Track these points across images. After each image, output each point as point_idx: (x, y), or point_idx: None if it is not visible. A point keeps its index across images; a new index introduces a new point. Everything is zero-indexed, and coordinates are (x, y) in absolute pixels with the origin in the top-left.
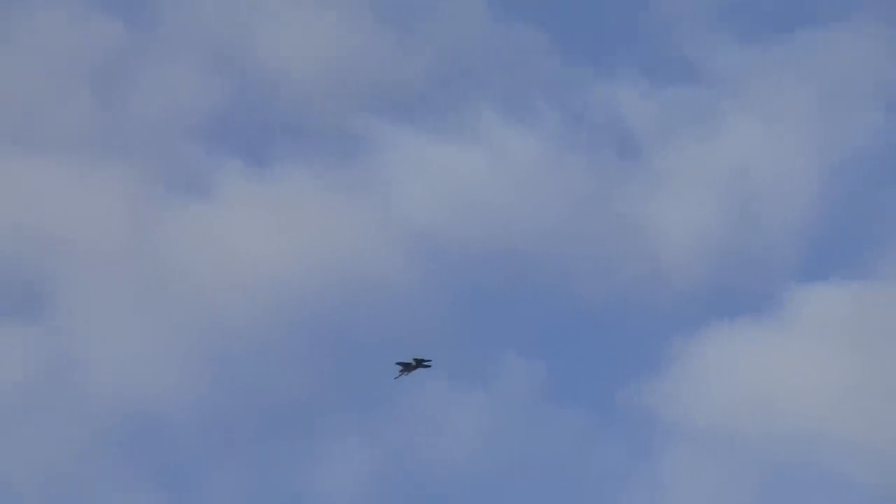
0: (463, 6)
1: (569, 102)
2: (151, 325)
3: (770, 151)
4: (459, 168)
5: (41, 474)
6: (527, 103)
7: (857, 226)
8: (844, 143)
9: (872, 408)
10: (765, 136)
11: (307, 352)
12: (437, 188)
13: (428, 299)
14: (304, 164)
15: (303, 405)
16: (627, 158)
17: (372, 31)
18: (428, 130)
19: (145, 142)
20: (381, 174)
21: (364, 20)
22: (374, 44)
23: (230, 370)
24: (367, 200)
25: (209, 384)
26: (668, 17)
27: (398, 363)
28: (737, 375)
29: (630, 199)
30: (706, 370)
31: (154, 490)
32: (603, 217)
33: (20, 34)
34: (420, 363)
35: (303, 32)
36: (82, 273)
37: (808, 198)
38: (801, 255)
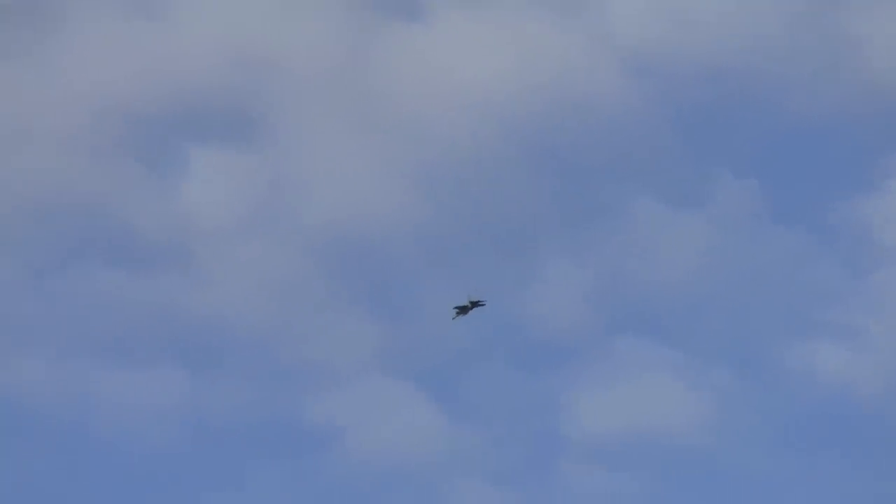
0: None
1: None
2: (366, 149)
3: None
4: None
5: (259, 299)
6: None
7: None
8: None
9: None
10: None
11: (522, 173)
12: (651, 6)
13: (642, 118)
14: None
15: (518, 226)
16: None
17: None
18: None
19: None
20: None
21: None
22: None
23: (445, 192)
24: (582, 19)
25: (424, 206)
26: None
27: (455, 307)
28: None
29: (845, 14)
30: None
31: (370, 312)
32: (818, 33)
33: None
34: (475, 304)
35: None
36: (297, 98)
37: None
38: None
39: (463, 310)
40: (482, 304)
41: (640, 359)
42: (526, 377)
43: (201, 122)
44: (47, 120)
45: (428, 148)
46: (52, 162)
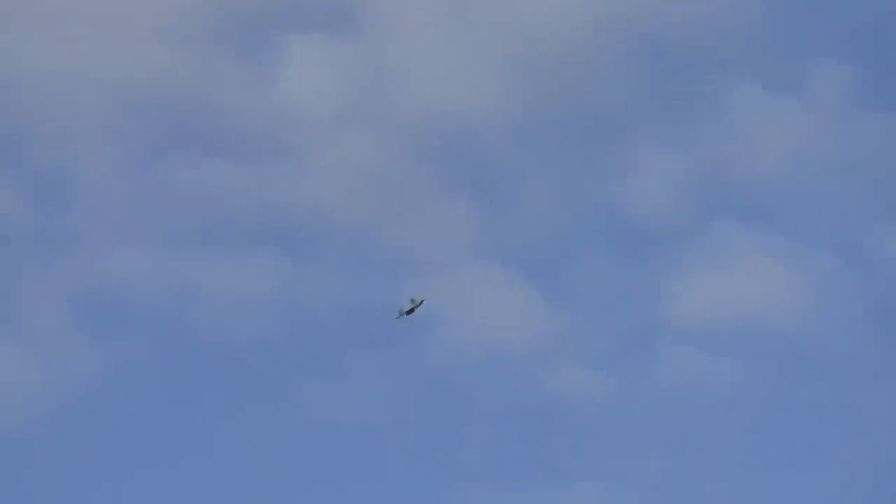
0: None
1: None
2: (464, 39)
3: None
4: None
5: (357, 188)
6: None
7: None
8: None
9: None
10: None
11: (618, 61)
12: None
13: (741, 3)
14: None
15: (614, 114)
16: None
17: None
18: None
19: None
20: None
21: None
22: None
23: (546, 83)
24: None
25: (521, 95)
26: None
27: (400, 312)
28: None
29: None
30: None
31: (468, 200)
32: None
33: None
34: (417, 305)
35: None
36: None
37: None
38: None
39: (409, 312)
40: (422, 301)
41: (738, 244)
42: (623, 262)
43: (299, 11)
44: (144, 9)
45: (524, 37)
46: (150, 52)
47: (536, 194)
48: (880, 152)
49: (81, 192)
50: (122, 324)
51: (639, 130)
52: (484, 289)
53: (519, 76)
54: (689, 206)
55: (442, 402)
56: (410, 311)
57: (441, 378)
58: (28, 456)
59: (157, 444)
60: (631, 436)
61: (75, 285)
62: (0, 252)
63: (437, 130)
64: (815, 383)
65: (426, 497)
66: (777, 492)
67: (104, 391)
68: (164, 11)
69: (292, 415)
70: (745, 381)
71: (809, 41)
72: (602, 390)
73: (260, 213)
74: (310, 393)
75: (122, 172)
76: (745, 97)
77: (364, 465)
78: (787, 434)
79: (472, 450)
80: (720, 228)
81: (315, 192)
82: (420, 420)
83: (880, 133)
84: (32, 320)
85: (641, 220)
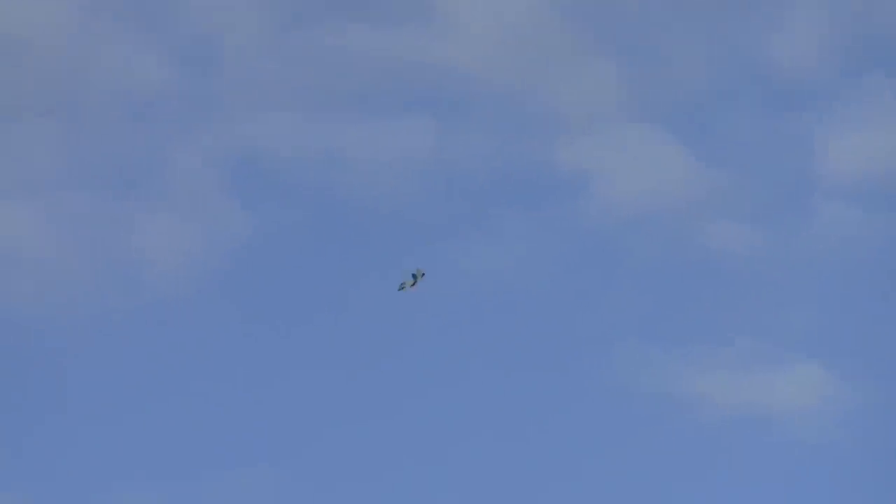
0: None
1: None
2: None
3: None
4: None
5: (505, 48)
6: None
7: None
8: None
9: None
10: None
11: None
12: None
13: None
14: None
15: None
16: None
17: None
18: None
19: None
20: None
21: None
22: None
23: None
24: None
25: None
26: None
27: (406, 284)
28: None
29: None
30: None
31: (616, 58)
32: None
33: None
34: (420, 277)
35: None
36: None
37: None
38: None
39: (412, 285)
40: (424, 275)
41: (888, 98)
42: (773, 118)
43: None
44: None
45: None
46: None
47: (685, 51)
48: None
49: (228, 57)
50: (269, 189)
51: None
52: (633, 147)
53: None
54: (838, 61)
55: (594, 260)
56: (413, 284)
57: (592, 237)
58: (180, 319)
59: (306, 309)
60: (785, 291)
61: (223, 151)
62: (150, 118)
63: None
64: None
65: (580, 355)
66: None
67: (253, 255)
68: None
69: (445, 276)
70: None
71: None
72: (756, 246)
73: (406, 76)
74: (461, 255)
75: (269, 38)
76: None
77: (517, 324)
78: None
79: (626, 308)
80: (870, 82)
81: (462, 53)
82: (573, 278)
83: None
84: (181, 186)
85: (791, 74)
